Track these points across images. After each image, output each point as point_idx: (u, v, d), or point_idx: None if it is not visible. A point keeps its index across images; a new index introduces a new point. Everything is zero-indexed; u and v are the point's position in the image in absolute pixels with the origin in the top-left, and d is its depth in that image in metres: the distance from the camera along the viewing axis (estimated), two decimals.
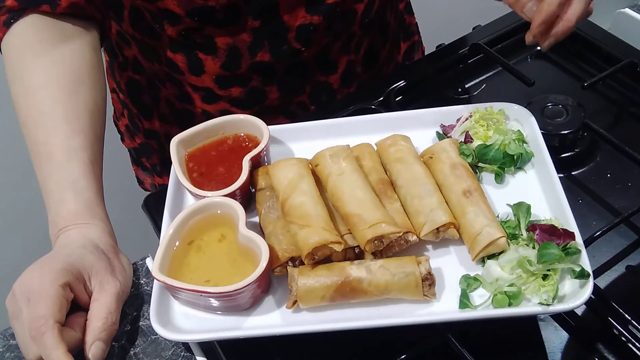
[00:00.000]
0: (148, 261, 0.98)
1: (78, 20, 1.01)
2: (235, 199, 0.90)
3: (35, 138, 0.96)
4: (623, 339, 0.83)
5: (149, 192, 1.42)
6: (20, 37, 0.99)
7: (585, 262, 0.81)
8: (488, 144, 0.95)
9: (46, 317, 0.80)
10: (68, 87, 0.97)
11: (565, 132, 1.01)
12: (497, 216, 0.89)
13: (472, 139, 0.97)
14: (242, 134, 1.00)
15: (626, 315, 0.84)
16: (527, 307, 0.80)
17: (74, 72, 0.99)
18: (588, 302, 0.85)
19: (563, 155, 1.02)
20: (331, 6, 1.12)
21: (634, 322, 0.83)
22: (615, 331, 0.84)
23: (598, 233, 0.89)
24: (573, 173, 1.02)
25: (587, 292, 0.79)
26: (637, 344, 0.82)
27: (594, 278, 0.80)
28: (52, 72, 0.98)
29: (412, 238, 0.85)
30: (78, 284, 0.85)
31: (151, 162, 1.39)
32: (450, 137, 0.99)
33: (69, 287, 0.83)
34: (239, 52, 1.12)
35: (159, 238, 0.89)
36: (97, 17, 1.04)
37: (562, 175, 0.97)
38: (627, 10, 1.26)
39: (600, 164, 1.03)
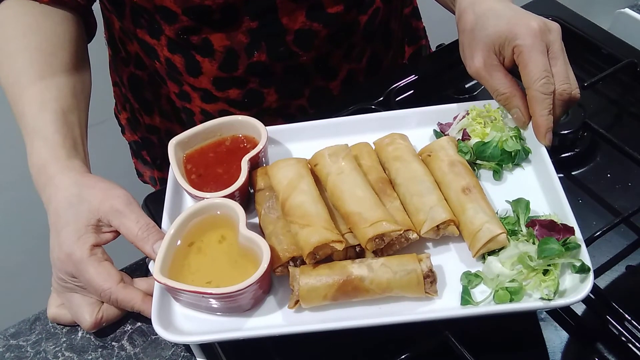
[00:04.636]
0: (150, 264, 0.98)
1: (62, 7, 1.03)
2: (235, 200, 0.90)
3: (13, 97, 0.98)
4: (623, 338, 0.83)
5: (148, 185, 1.43)
6: (1, 13, 1.01)
7: (585, 256, 0.81)
8: (486, 141, 0.95)
9: (105, 286, 0.87)
10: (46, 49, 0.99)
11: (565, 132, 1.01)
12: (497, 213, 0.89)
13: (469, 136, 0.97)
14: (240, 135, 1.00)
15: (626, 315, 0.84)
16: (528, 303, 0.80)
17: (53, 37, 1.01)
18: (588, 302, 0.86)
19: (563, 155, 1.02)
20: (333, 16, 1.12)
21: (634, 322, 0.83)
22: (615, 331, 0.84)
23: (598, 233, 0.89)
24: (573, 173, 1.02)
25: (587, 286, 0.78)
26: (637, 343, 0.82)
27: (594, 278, 0.79)
28: (31, 38, 0.99)
29: (413, 236, 0.85)
30: (102, 235, 0.90)
31: (152, 156, 1.39)
32: (448, 135, 0.99)
33: (98, 247, 0.89)
34: (236, 54, 1.12)
35: None
36: (81, 3, 1.05)
37: (562, 175, 0.98)
38: (627, 10, 1.26)
39: (600, 164, 1.02)
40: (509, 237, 0.85)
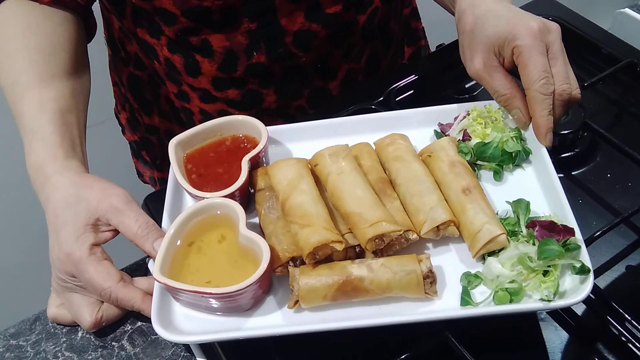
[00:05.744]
0: (150, 263, 0.98)
1: (62, 7, 1.03)
2: (235, 200, 0.90)
3: (12, 97, 0.98)
4: (623, 338, 0.83)
5: (148, 185, 1.43)
6: (2, 13, 1.01)
7: (585, 257, 0.80)
8: (486, 141, 0.95)
9: (105, 286, 0.87)
10: (45, 50, 0.99)
11: (565, 132, 1.01)
12: (497, 213, 0.89)
13: (470, 137, 0.97)
14: (240, 135, 1.00)
15: (626, 315, 0.84)
16: (528, 304, 0.80)
17: (53, 38, 1.01)
18: (588, 302, 0.86)
19: (563, 155, 1.02)
20: (331, 16, 1.12)
21: (634, 322, 0.83)
22: (615, 331, 0.84)
23: (598, 233, 0.89)
24: (573, 173, 1.02)
25: (587, 287, 0.78)
26: (636, 343, 0.82)
27: (594, 278, 0.79)
28: (31, 38, 0.99)
29: (413, 236, 0.85)
30: (101, 234, 0.90)
31: (151, 156, 1.40)
32: (448, 135, 0.99)
33: (98, 246, 0.89)
34: (235, 55, 1.12)
35: None
36: (81, 4, 1.05)
37: (562, 175, 0.97)
38: (627, 10, 1.27)
39: (600, 164, 1.02)
40: (509, 237, 0.85)
